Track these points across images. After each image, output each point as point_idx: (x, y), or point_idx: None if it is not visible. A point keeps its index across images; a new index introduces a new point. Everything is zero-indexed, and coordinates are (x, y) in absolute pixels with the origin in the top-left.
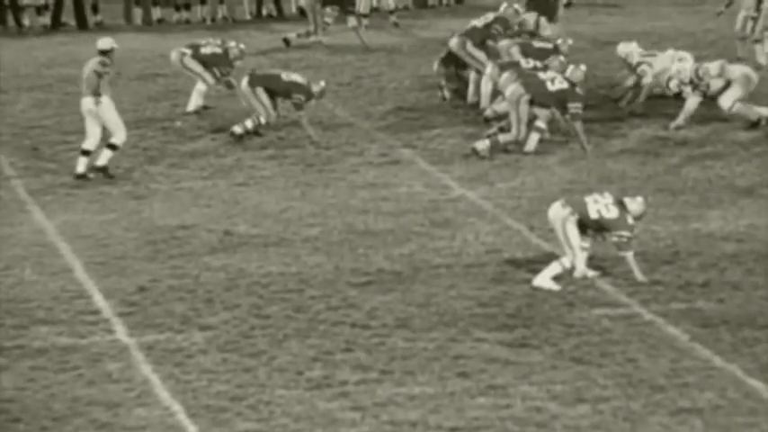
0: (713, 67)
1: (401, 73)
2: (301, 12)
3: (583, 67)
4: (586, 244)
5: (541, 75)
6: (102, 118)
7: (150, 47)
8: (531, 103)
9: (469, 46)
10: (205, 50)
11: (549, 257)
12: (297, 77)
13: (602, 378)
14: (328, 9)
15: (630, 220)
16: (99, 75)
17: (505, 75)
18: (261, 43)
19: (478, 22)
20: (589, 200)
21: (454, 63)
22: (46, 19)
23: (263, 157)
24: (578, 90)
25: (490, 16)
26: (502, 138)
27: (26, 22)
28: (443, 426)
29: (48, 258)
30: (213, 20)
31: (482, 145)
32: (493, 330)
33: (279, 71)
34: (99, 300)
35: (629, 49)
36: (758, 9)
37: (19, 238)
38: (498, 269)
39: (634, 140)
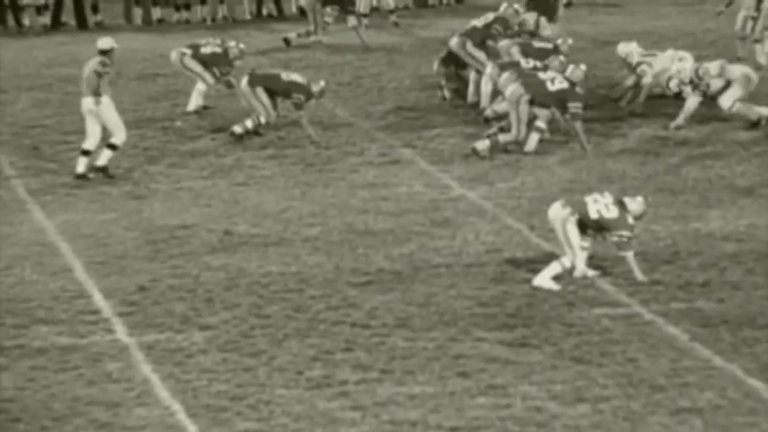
0: (713, 66)
1: (401, 73)
2: (301, 11)
3: (583, 67)
4: (586, 244)
5: (541, 75)
6: (103, 118)
7: (150, 47)
8: (531, 102)
9: (469, 46)
10: (205, 50)
11: (549, 257)
12: (296, 77)
13: (603, 378)
14: (328, 9)
15: (631, 220)
16: (99, 75)
17: (505, 75)
18: (261, 43)
19: (478, 22)
20: (589, 200)
21: (454, 63)
22: (46, 19)
23: (263, 157)
24: (578, 90)
25: (490, 16)
26: (502, 138)
27: (26, 21)
28: (443, 425)
29: (48, 258)
30: (213, 20)
31: (482, 145)
32: (493, 330)
33: (278, 71)
34: (99, 299)
35: (630, 49)
36: (758, 9)
37: (19, 237)
38: (498, 269)
39: (634, 140)
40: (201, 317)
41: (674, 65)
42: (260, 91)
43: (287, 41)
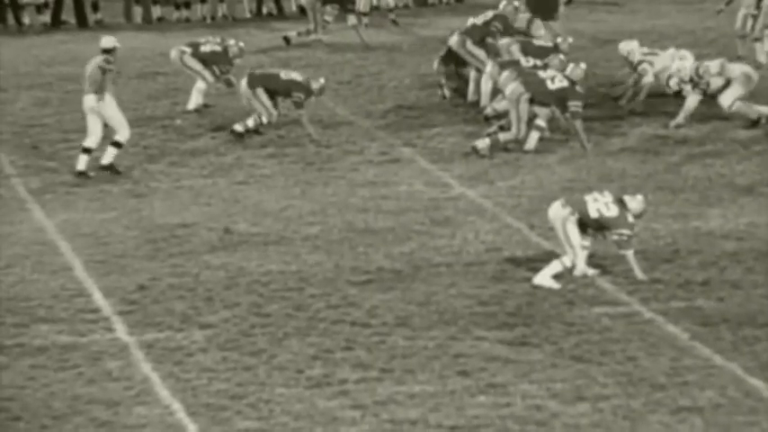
0: (713, 65)
1: (401, 71)
2: (301, 10)
3: (583, 66)
4: (587, 242)
5: (541, 73)
6: (105, 116)
7: (150, 45)
8: (531, 101)
9: (469, 44)
10: (205, 48)
11: (549, 256)
12: (295, 75)
13: (603, 376)
14: (328, 7)
15: (631, 219)
16: (103, 71)
17: (505, 73)
18: (261, 42)
19: (478, 20)
20: (589, 199)
21: (454, 61)
22: (46, 17)
23: (264, 156)
24: (578, 88)
25: (489, 14)
26: (502, 136)
27: (26, 20)
28: (443, 424)
29: (48, 257)
30: (213, 18)
31: (482, 143)
32: (493, 329)
33: (277, 70)
34: (99, 298)
35: (631, 47)
36: (758, 7)
37: (19, 236)
38: (498, 267)
39: (634, 139)
40: (201, 315)
41: (674, 63)
42: (260, 92)
43: (287, 40)
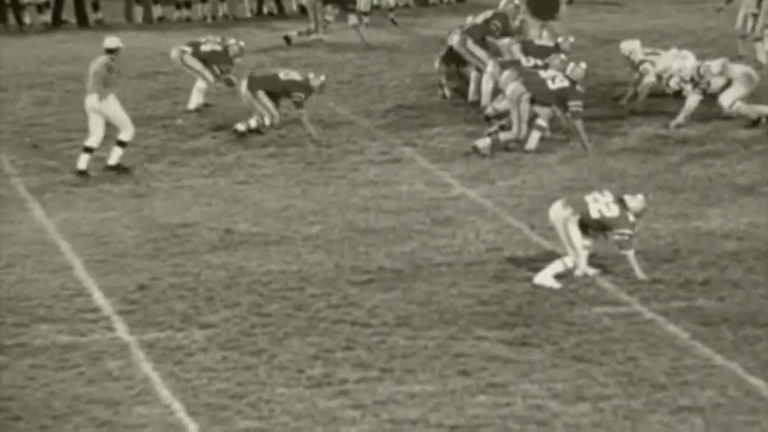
0: (715, 65)
1: (402, 71)
2: (302, 10)
3: (583, 65)
4: (588, 242)
5: (542, 73)
6: (108, 115)
7: (151, 45)
8: (532, 101)
9: (470, 43)
10: (205, 48)
11: (550, 255)
12: (294, 75)
13: (603, 376)
14: (329, 7)
15: (632, 218)
16: (109, 68)
17: (506, 73)
18: (262, 41)
19: (478, 19)
20: (589, 199)
21: (455, 61)
22: (47, 17)
23: (264, 156)
24: (579, 88)
25: (489, 13)
26: (503, 136)
27: (27, 19)
28: (444, 424)
29: (48, 256)
30: (214, 18)
31: (483, 143)
32: (493, 328)
33: (276, 70)
34: (99, 298)
35: (633, 47)
36: (759, 6)
37: (19, 236)
38: (499, 267)
39: (635, 139)
40: (202, 315)
41: (675, 63)
42: (261, 94)
43: (288, 40)
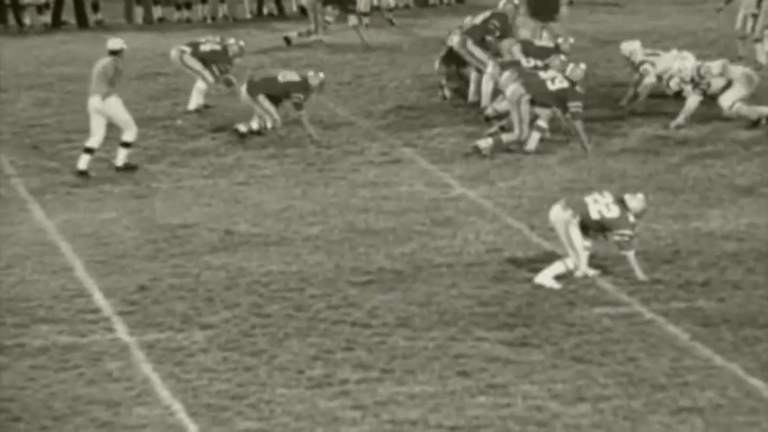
0: (715, 66)
1: (402, 72)
2: (302, 10)
3: (583, 66)
4: (588, 243)
5: (542, 74)
6: (111, 116)
7: (151, 46)
8: (532, 102)
9: (470, 44)
10: (204, 48)
11: (550, 256)
12: (293, 76)
13: (603, 377)
14: (329, 8)
15: (632, 219)
16: (115, 67)
17: (506, 74)
18: (262, 42)
19: (477, 20)
20: (589, 200)
21: (455, 62)
22: (46, 18)
23: (264, 156)
24: (579, 89)
25: (488, 13)
26: (504, 137)
27: (27, 20)
28: (444, 424)
29: (48, 257)
30: (214, 18)
31: (484, 143)
32: (493, 329)
33: (275, 72)
34: (99, 298)
35: (633, 48)
36: (759, 6)
37: (19, 236)
38: (499, 268)
39: (635, 139)
40: (202, 316)
41: (675, 64)
42: (262, 98)
43: (288, 40)
